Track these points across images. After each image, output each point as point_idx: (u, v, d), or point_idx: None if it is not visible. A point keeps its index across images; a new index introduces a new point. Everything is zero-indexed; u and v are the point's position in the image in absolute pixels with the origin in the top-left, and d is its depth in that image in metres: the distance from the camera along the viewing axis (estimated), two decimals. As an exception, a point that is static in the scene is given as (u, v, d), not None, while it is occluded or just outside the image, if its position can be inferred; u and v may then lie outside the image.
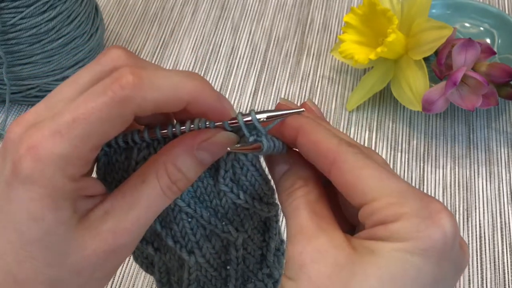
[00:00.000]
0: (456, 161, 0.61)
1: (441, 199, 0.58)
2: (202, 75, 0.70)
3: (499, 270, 0.53)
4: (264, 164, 0.33)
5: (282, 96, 0.68)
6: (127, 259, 0.55)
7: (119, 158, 0.32)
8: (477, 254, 0.55)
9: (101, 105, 0.26)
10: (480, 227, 0.56)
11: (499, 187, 0.59)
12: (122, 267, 0.54)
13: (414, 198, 0.27)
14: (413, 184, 0.57)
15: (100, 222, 0.28)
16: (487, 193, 0.59)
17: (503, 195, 0.58)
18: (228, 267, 0.35)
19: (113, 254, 0.28)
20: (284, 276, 0.28)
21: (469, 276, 0.53)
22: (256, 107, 0.67)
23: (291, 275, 0.27)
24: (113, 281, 0.53)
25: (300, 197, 0.30)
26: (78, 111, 0.26)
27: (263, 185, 0.33)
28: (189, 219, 0.33)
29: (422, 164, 0.61)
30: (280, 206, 0.33)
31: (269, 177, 0.33)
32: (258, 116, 0.30)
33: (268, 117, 0.30)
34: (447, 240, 0.26)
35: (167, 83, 0.27)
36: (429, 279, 0.26)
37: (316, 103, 0.67)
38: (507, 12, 0.77)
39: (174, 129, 0.30)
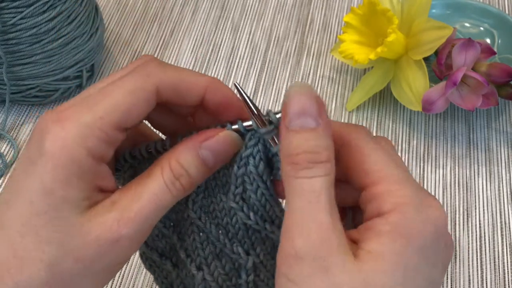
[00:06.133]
0: (456, 161, 0.61)
1: (441, 199, 0.58)
2: (202, 75, 0.70)
3: (499, 270, 0.54)
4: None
5: (282, 96, 0.68)
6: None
7: (144, 168, 0.32)
8: (477, 254, 0.55)
9: (127, 79, 0.29)
10: (480, 227, 0.56)
11: (499, 187, 0.59)
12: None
13: (412, 189, 0.28)
14: (413, 184, 0.57)
15: (106, 211, 0.28)
16: (487, 193, 0.59)
17: (503, 195, 0.58)
18: None
19: (115, 245, 0.28)
20: (283, 275, 0.27)
21: (469, 276, 0.53)
22: (256, 107, 0.67)
23: (291, 275, 0.27)
24: (113, 281, 0.53)
25: (323, 178, 0.27)
26: (107, 88, 0.28)
27: (274, 206, 0.32)
28: (200, 233, 0.33)
29: (422, 164, 0.61)
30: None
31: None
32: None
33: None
34: (438, 236, 0.27)
35: (187, 71, 0.30)
36: (421, 273, 0.27)
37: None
38: (507, 12, 0.77)
39: None
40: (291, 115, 0.27)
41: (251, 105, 0.30)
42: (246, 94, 0.30)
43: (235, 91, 0.31)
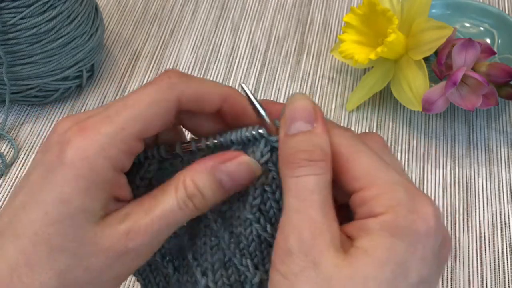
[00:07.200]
0: (456, 161, 0.61)
1: (441, 199, 0.58)
2: (202, 75, 0.70)
3: (499, 270, 0.54)
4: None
5: (282, 96, 0.68)
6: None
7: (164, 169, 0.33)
8: (477, 254, 0.55)
9: (150, 90, 0.29)
10: (480, 227, 0.56)
11: (499, 187, 0.59)
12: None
13: (401, 190, 0.28)
14: (413, 184, 0.57)
15: (118, 223, 0.29)
16: (487, 193, 0.59)
17: (503, 195, 0.58)
18: None
19: (123, 257, 0.28)
20: (276, 271, 0.27)
21: (469, 276, 0.53)
22: (256, 107, 0.67)
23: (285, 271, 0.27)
24: (113, 281, 0.53)
25: (317, 176, 0.28)
26: (129, 99, 0.29)
27: None
28: (212, 238, 0.32)
29: (422, 164, 0.61)
30: None
31: None
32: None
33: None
34: (430, 234, 0.27)
35: (207, 82, 0.31)
36: (412, 269, 0.27)
37: (316, 103, 0.67)
38: (507, 12, 0.77)
39: (215, 141, 0.31)
40: (288, 121, 0.29)
41: (261, 111, 0.30)
42: (257, 100, 0.30)
43: (246, 95, 0.31)
